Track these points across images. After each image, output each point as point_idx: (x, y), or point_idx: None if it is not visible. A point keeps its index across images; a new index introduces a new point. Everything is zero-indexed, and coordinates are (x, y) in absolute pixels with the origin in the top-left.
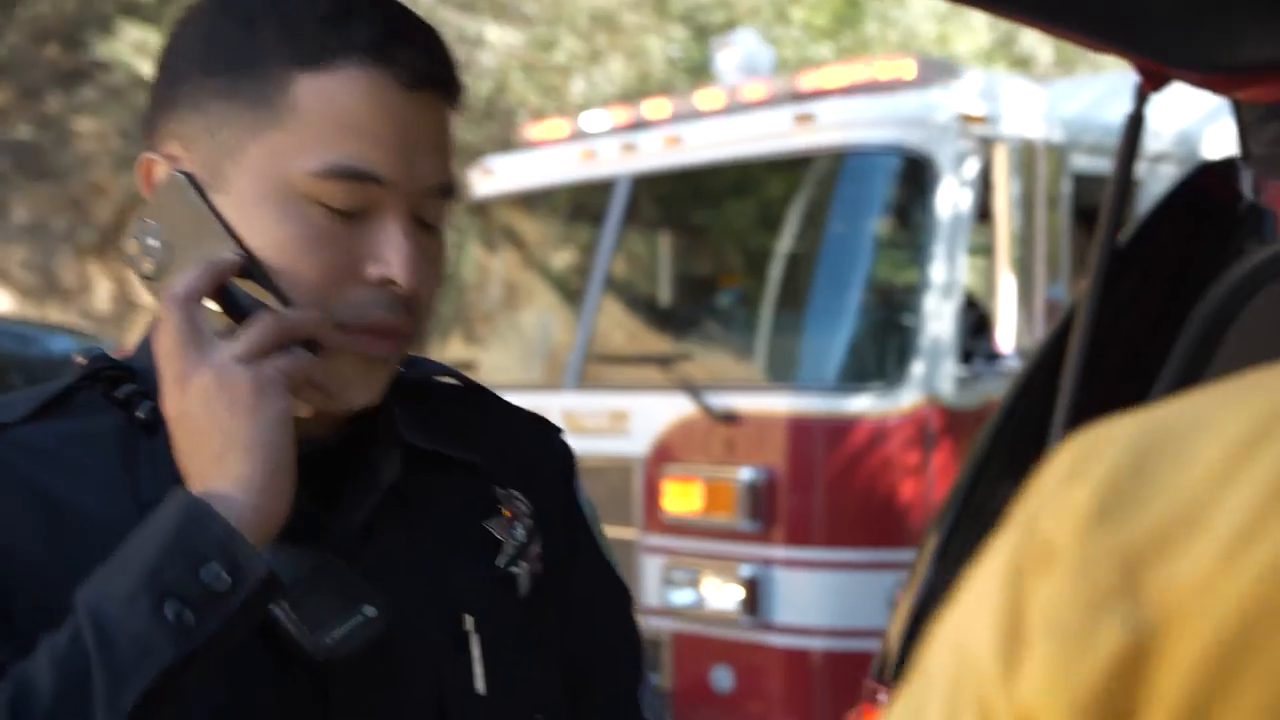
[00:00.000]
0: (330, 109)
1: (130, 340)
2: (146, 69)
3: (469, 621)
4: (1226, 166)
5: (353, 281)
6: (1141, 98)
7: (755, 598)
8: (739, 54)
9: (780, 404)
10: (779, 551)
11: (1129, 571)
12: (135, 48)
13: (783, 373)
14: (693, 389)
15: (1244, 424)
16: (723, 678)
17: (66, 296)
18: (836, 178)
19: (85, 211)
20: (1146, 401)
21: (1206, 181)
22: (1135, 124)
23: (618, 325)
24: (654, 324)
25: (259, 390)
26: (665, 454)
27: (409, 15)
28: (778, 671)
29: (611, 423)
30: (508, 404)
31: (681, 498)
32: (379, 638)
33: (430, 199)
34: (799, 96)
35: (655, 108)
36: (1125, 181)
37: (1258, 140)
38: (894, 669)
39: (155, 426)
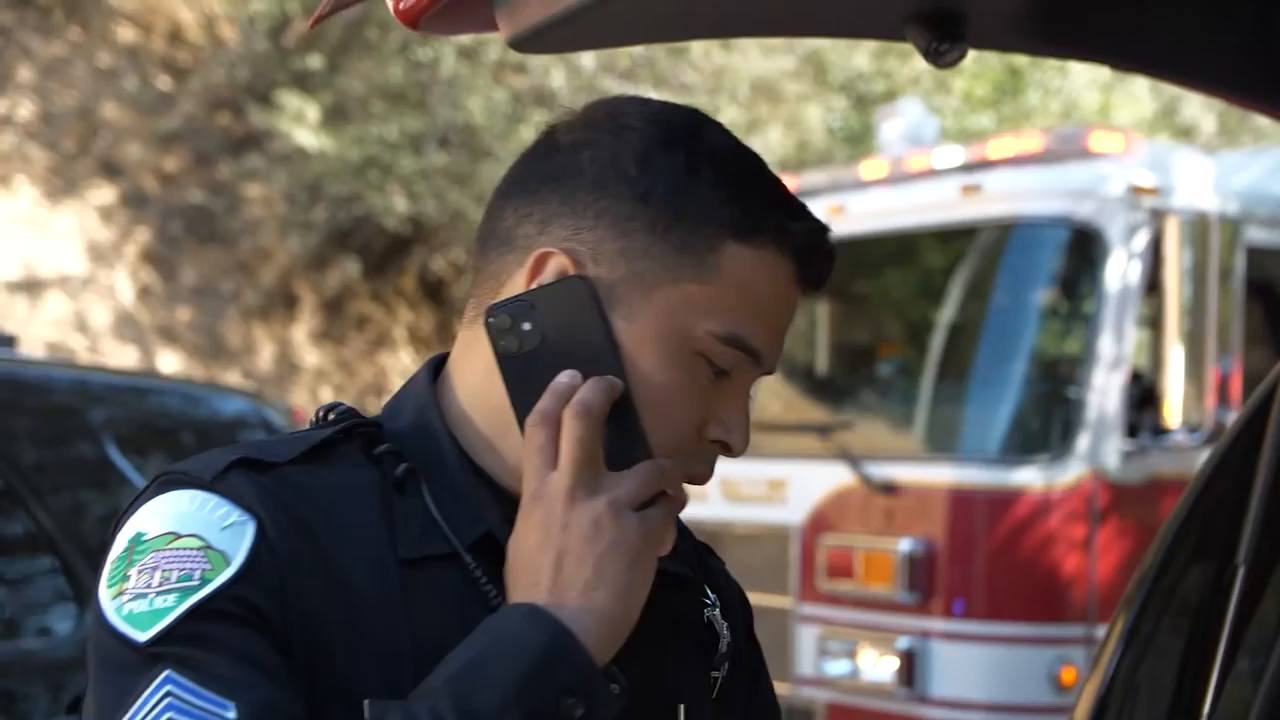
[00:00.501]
0: (748, 283)
1: (291, 399)
2: (304, 139)
3: (682, 711)
4: None
5: (693, 434)
6: None
7: (912, 670)
8: (904, 123)
9: (941, 475)
10: (937, 624)
11: None
12: (294, 118)
13: (944, 443)
14: (851, 458)
15: None
16: None
17: (231, 358)
18: (1003, 248)
19: (251, 274)
20: None
21: None
22: None
23: (776, 394)
24: (813, 393)
25: (644, 544)
26: (823, 523)
27: (826, 229)
28: None
29: (769, 491)
30: (684, 526)
31: (839, 568)
32: (620, 712)
33: None
34: (966, 167)
35: (816, 178)
36: None
37: None
38: None
39: (406, 486)
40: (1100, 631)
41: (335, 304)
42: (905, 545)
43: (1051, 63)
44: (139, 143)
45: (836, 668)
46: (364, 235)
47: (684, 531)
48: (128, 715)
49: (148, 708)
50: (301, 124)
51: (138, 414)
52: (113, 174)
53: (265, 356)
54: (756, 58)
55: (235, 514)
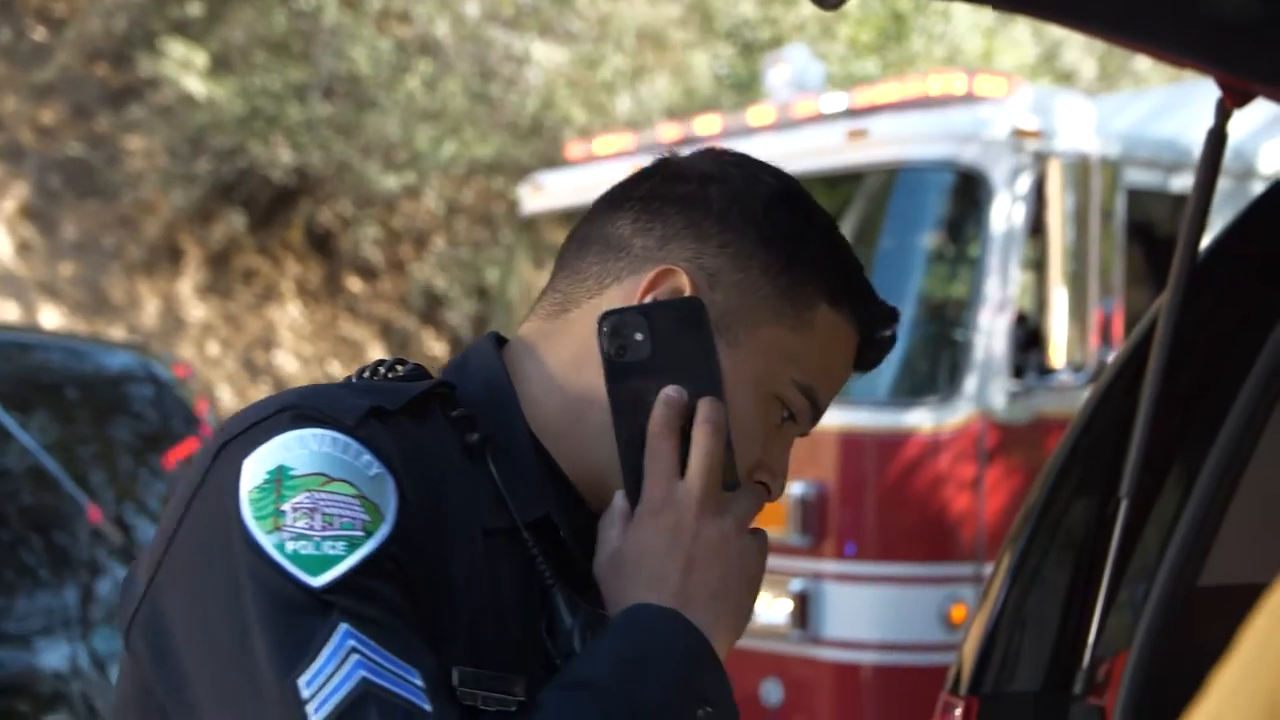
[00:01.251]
0: (829, 344)
1: (177, 354)
2: (193, 86)
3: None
4: None
5: (748, 472)
6: (1223, 114)
7: (805, 611)
8: (790, 70)
9: (831, 419)
10: (829, 566)
11: None
12: (180, 64)
13: None
14: None
15: None
16: (772, 691)
17: (115, 313)
18: (889, 193)
19: (134, 228)
20: (1224, 419)
21: None
22: (1217, 140)
23: None
24: None
25: (760, 568)
26: None
27: (896, 318)
28: (827, 685)
29: None
30: None
31: None
32: None
33: None
34: (851, 112)
35: (706, 123)
36: (1206, 197)
37: None
38: (969, 682)
39: (475, 454)
40: (989, 569)
41: (221, 257)
42: (797, 489)
43: (936, 7)
44: (14, 95)
45: None
46: (249, 187)
47: None
48: (314, 667)
49: (335, 663)
50: (189, 71)
51: (20, 370)
52: None
53: (150, 311)
54: (642, 5)
55: (376, 465)
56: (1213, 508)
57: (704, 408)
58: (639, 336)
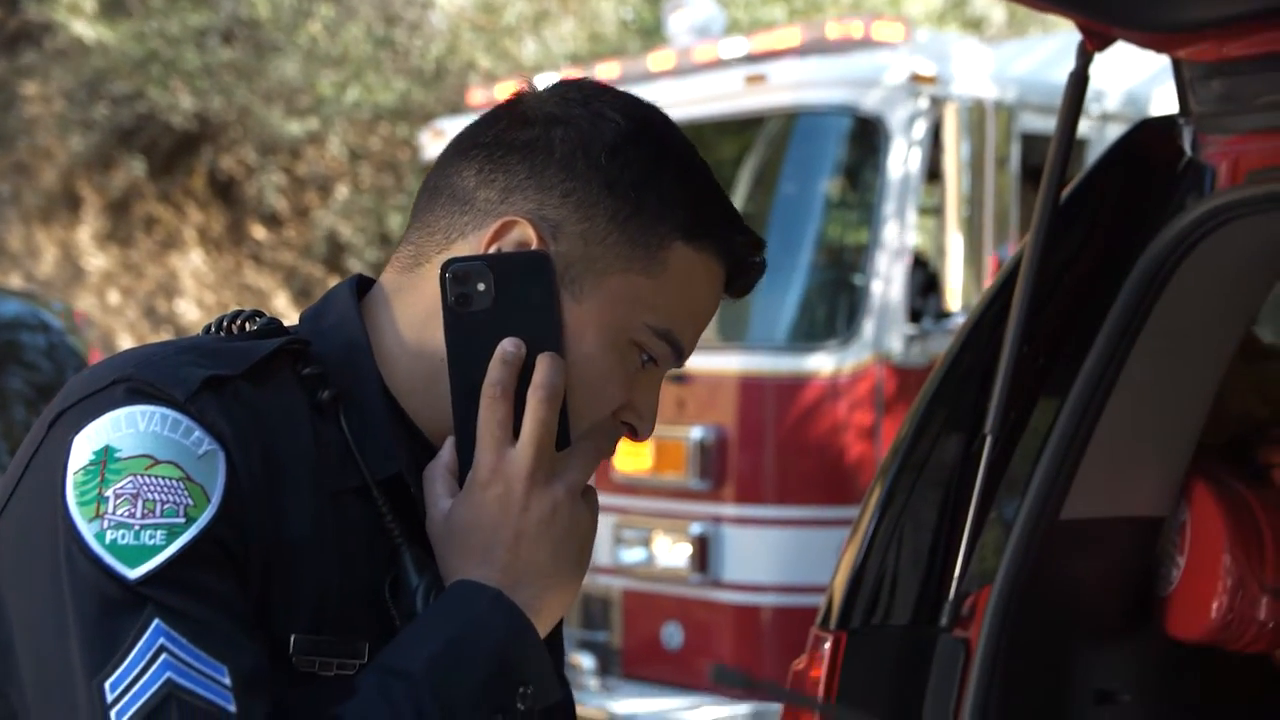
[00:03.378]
0: (686, 283)
1: (77, 303)
2: (83, 31)
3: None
4: (1167, 123)
5: (610, 416)
6: (1084, 57)
7: (705, 555)
8: (691, 16)
9: (731, 363)
10: (729, 509)
11: None
12: (69, 8)
13: (733, 332)
14: None
15: None
16: (673, 634)
17: (12, 261)
18: (787, 138)
19: (30, 175)
20: (1087, 354)
21: (1147, 138)
22: (1078, 83)
23: None
24: None
25: (592, 531)
26: None
27: (761, 243)
28: (727, 628)
29: None
30: None
31: (632, 457)
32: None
33: None
34: (750, 58)
35: (606, 70)
36: (1068, 139)
37: (1198, 97)
38: (838, 617)
39: (326, 412)
40: None
41: (121, 205)
42: (697, 433)
43: None
44: None
45: (632, 555)
46: (149, 134)
47: None
48: (122, 668)
49: (142, 663)
50: (78, 15)
51: None
52: None
53: (48, 260)
54: None
55: (207, 442)
56: (1075, 442)
57: (540, 369)
58: (481, 287)
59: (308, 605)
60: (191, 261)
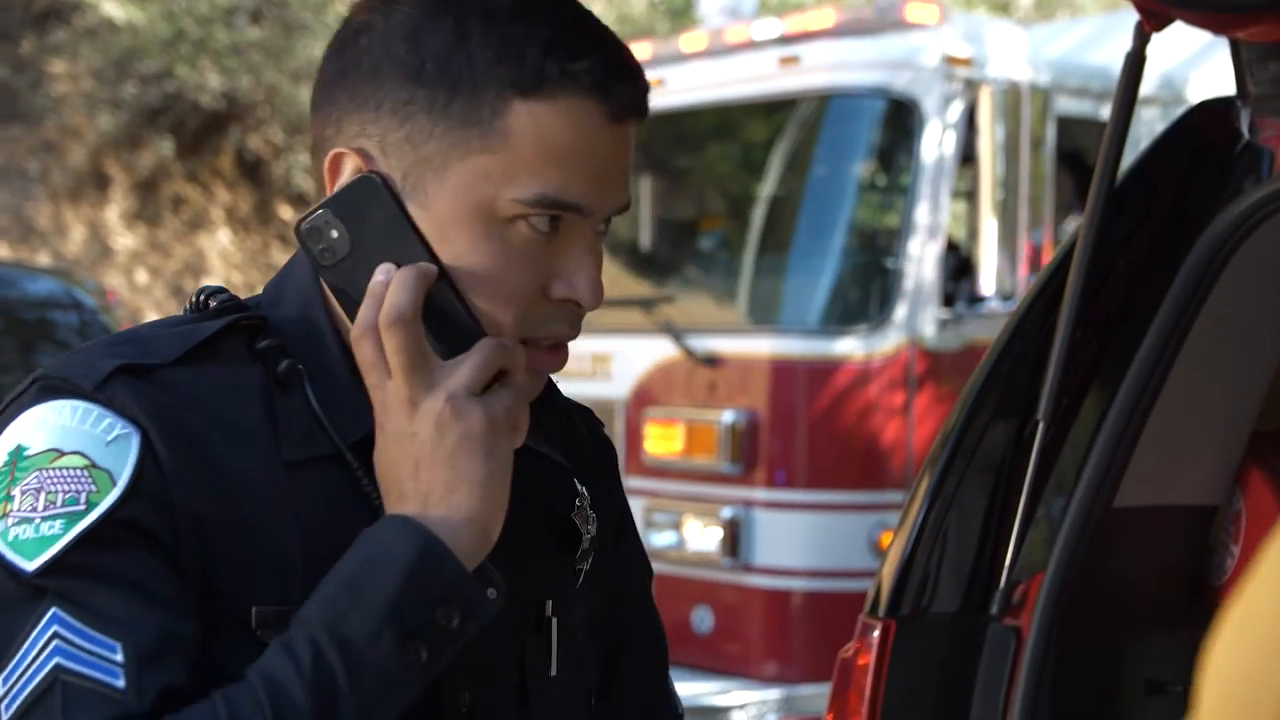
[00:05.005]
0: (543, 138)
1: (105, 281)
2: (112, 11)
3: (549, 606)
4: (1224, 106)
5: (540, 298)
6: (1142, 37)
7: (736, 539)
8: None
9: (762, 346)
10: (760, 493)
11: None
12: None
13: (765, 315)
14: (674, 332)
15: None
16: (703, 619)
17: (41, 240)
18: (821, 120)
19: (59, 154)
20: (1141, 340)
21: (1203, 121)
22: (1136, 64)
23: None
24: (636, 267)
25: (493, 431)
26: (647, 397)
27: (617, 43)
28: (757, 612)
29: (593, 366)
30: (564, 396)
31: (663, 440)
32: (495, 616)
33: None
34: (784, 39)
35: (637, 50)
36: (1124, 121)
37: (1256, 79)
38: (887, 605)
39: (289, 383)
40: None
41: (149, 184)
42: (728, 417)
43: None
44: None
45: (663, 539)
46: (177, 113)
47: (557, 404)
48: (14, 661)
49: (35, 650)
50: None
51: None
52: None
53: (76, 239)
54: None
55: (119, 425)
56: (1128, 430)
57: (387, 297)
58: (335, 235)
59: (270, 578)
60: (219, 241)
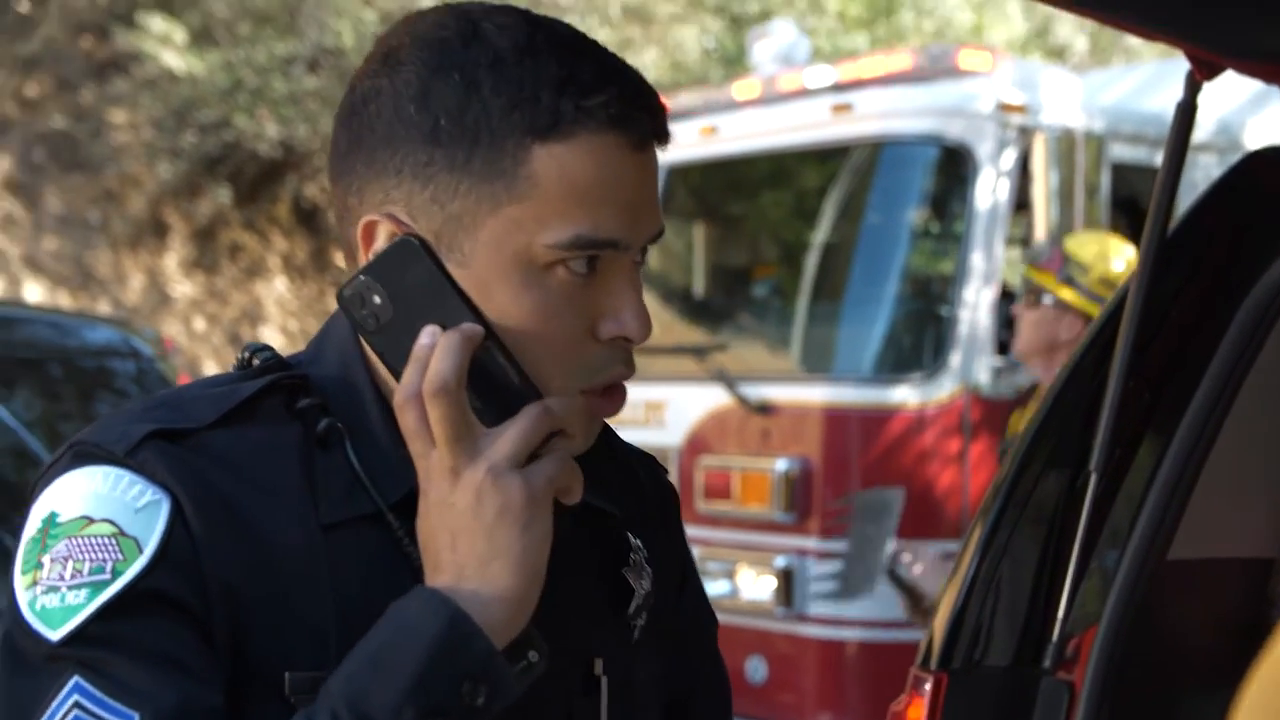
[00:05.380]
0: (568, 179)
1: (163, 329)
2: (172, 61)
3: (599, 665)
4: (1277, 154)
5: (589, 341)
6: (1194, 87)
7: (790, 588)
8: (776, 44)
9: (816, 394)
10: (813, 542)
11: None
12: (160, 40)
13: (819, 363)
14: (728, 379)
15: None
16: (757, 668)
17: (100, 288)
18: (874, 168)
19: (119, 203)
20: (1195, 391)
21: (1256, 169)
22: (1187, 113)
23: (653, 316)
24: (689, 315)
25: (532, 503)
26: (700, 445)
27: (629, 71)
28: (812, 662)
29: (647, 414)
30: (624, 442)
31: (717, 489)
32: (537, 680)
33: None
34: (837, 87)
35: (690, 99)
36: (1176, 171)
37: None
38: (939, 657)
39: (329, 442)
40: None
41: (207, 232)
42: (782, 465)
43: None
44: None
45: (716, 588)
46: (235, 161)
47: (616, 453)
48: None
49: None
50: (168, 46)
51: (2, 345)
52: None
53: (135, 286)
54: None
55: (149, 492)
56: (1182, 481)
57: (431, 364)
58: (378, 300)
59: (304, 643)
60: (275, 288)
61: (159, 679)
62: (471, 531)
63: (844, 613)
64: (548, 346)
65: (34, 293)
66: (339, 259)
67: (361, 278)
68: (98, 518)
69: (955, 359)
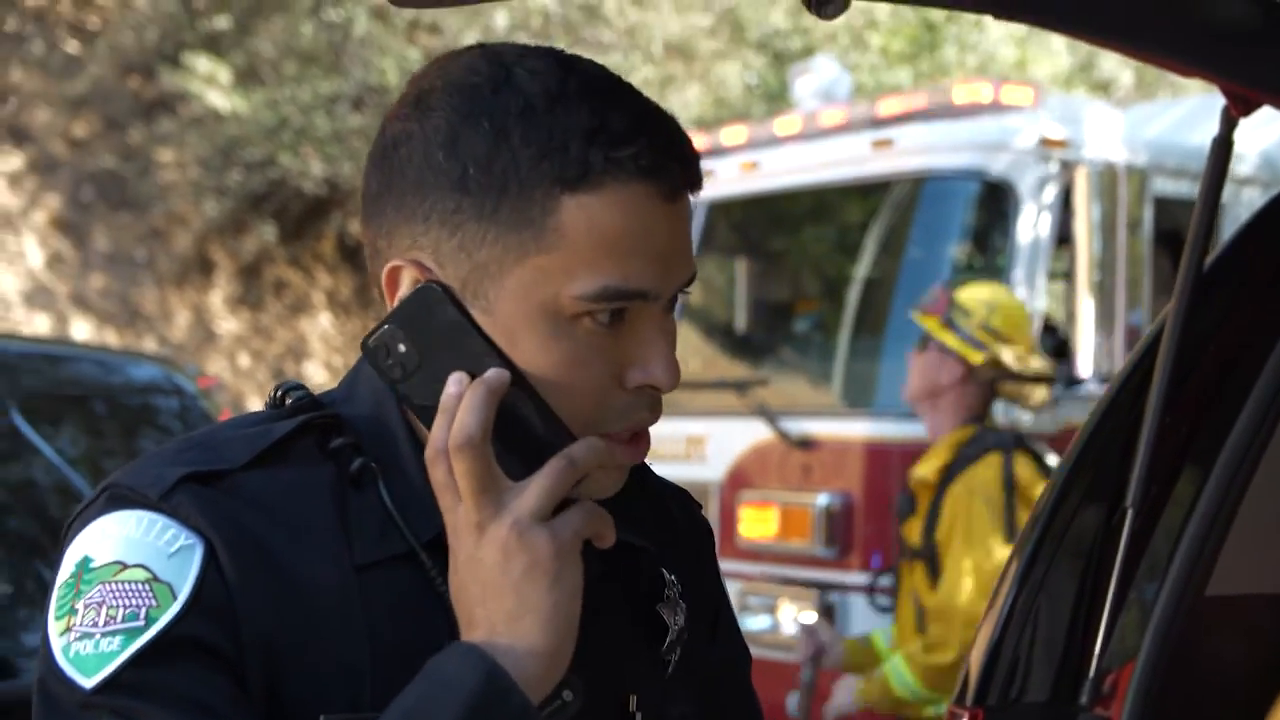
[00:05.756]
0: (597, 230)
1: (209, 366)
2: (217, 101)
3: (634, 702)
4: None
5: (615, 389)
6: (1229, 122)
7: (832, 622)
8: (817, 80)
9: (858, 429)
10: (855, 577)
11: None
12: (205, 80)
13: (860, 398)
14: (769, 414)
15: None
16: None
17: (147, 324)
18: (916, 202)
19: (165, 240)
20: (1232, 426)
21: None
22: (1223, 148)
23: (694, 351)
24: (730, 349)
25: (559, 558)
26: (741, 479)
27: (662, 118)
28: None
29: (688, 448)
30: (657, 477)
31: (758, 523)
32: (572, 718)
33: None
34: (877, 122)
35: (732, 134)
36: (1213, 206)
37: None
38: (974, 694)
39: (362, 481)
40: None
41: (252, 269)
42: (823, 500)
43: (968, 17)
44: (47, 108)
45: (758, 623)
46: (280, 199)
47: (649, 489)
48: None
49: None
50: (213, 86)
51: (48, 382)
52: (21, 140)
53: (181, 323)
54: (671, 15)
55: (183, 536)
56: (1220, 516)
57: (457, 418)
58: (403, 349)
59: (339, 685)
60: (320, 325)
61: None
62: (500, 587)
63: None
64: (573, 395)
65: (81, 330)
66: None
67: (386, 326)
68: (131, 563)
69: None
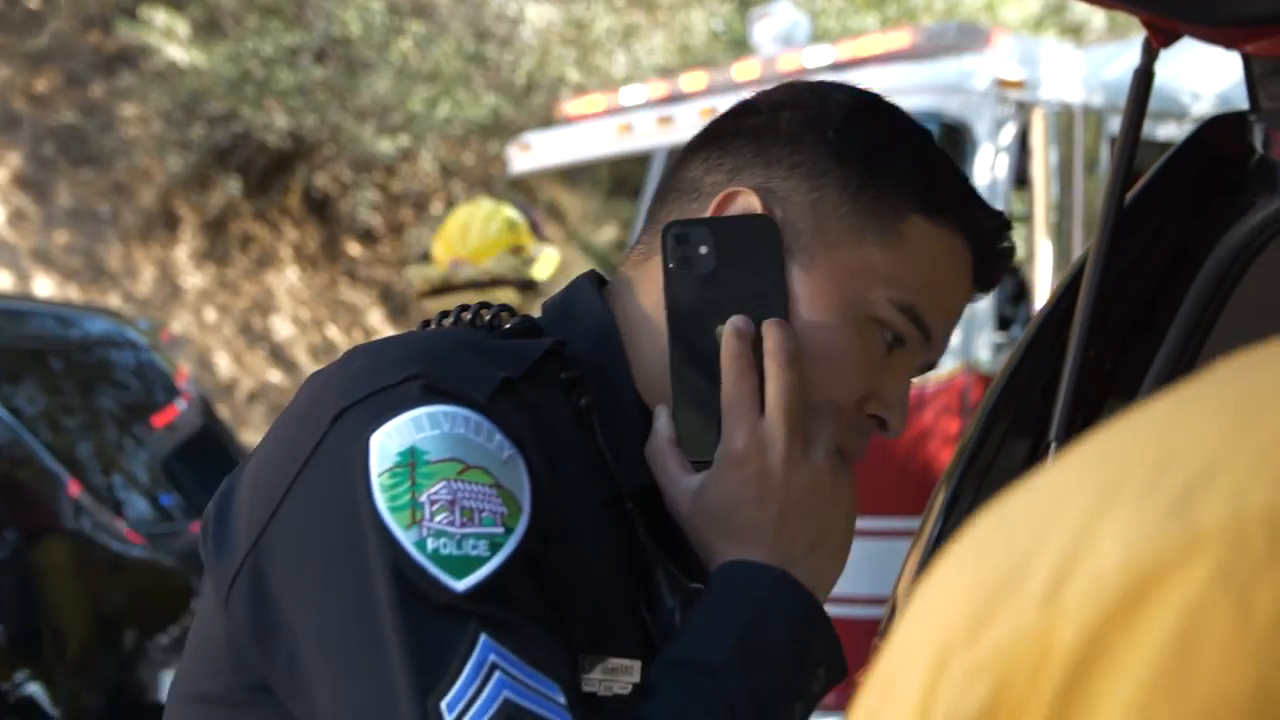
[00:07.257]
0: (929, 258)
1: (175, 321)
2: (176, 54)
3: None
4: (1237, 120)
5: (853, 402)
6: (1149, 53)
7: None
8: (776, 24)
9: None
10: None
11: None
12: (164, 33)
13: None
14: None
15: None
16: None
17: (111, 280)
18: None
19: (129, 196)
20: (1155, 356)
21: (1216, 135)
22: (1144, 80)
23: None
24: None
25: (852, 492)
26: None
27: (1007, 223)
28: None
29: None
30: None
31: None
32: None
33: None
34: (836, 66)
35: (691, 80)
36: (1133, 138)
37: (1267, 93)
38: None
39: (584, 419)
40: None
41: (217, 224)
42: None
43: None
44: (7, 63)
45: None
46: (244, 153)
47: None
48: (457, 687)
49: (478, 682)
50: (172, 39)
51: (6, 338)
52: None
53: (146, 279)
54: None
55: (508, 447)
56: None
57: (771, 336)
58: (703, 250)
59: (586, 621)
60: (287, 279)
61: (553, 648)
62: (804, 515)
63: (846, 590)
64: (823, 384)
65: (45, 287)
66: (350, 248)
67: (700, 224)
68: (471, 464)
69: (955, 336)
